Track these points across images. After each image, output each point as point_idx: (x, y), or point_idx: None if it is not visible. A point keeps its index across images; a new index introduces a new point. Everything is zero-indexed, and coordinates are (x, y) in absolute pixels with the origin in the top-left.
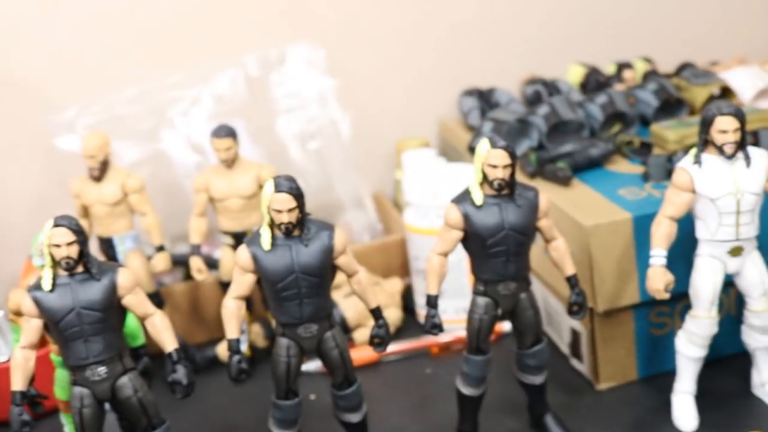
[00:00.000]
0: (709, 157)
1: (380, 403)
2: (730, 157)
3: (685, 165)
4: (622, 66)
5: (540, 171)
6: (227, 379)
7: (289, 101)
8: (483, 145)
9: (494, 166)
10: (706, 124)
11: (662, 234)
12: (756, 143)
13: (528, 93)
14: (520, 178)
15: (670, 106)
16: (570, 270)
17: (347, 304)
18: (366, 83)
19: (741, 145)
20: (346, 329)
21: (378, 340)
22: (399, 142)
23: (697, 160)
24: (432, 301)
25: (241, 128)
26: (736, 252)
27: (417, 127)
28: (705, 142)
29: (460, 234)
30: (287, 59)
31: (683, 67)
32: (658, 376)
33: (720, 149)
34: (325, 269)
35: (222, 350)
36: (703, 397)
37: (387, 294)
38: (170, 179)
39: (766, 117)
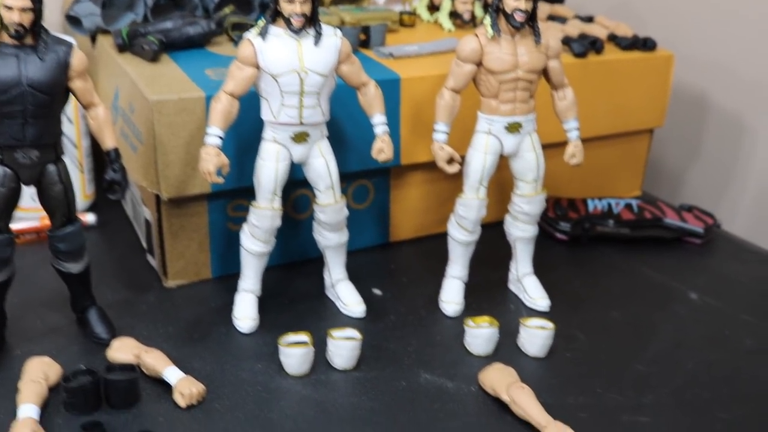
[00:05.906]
0: (277, 30)
1: None
2: (297, 31)
3: (250, 37)
4: None
5: (129, 45)
6: None
7: None
8: None
9: (9, 8)
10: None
11: (216, 112)
12: (367, 37)
13: None
14: (112, 51)
15: None
16: (110, 143)
17: None
18: None
19: (310, 21)
20: None
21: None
22: None
23: (262, 32)
24: None
25: None
26: (300, 138)
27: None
28: (275, 15)
29: None
30: None
31: None
32: (235, 275)
33: (288, 22)
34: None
35: None
36: (274, 298)
37: None
38: None
39: (385, 16)
